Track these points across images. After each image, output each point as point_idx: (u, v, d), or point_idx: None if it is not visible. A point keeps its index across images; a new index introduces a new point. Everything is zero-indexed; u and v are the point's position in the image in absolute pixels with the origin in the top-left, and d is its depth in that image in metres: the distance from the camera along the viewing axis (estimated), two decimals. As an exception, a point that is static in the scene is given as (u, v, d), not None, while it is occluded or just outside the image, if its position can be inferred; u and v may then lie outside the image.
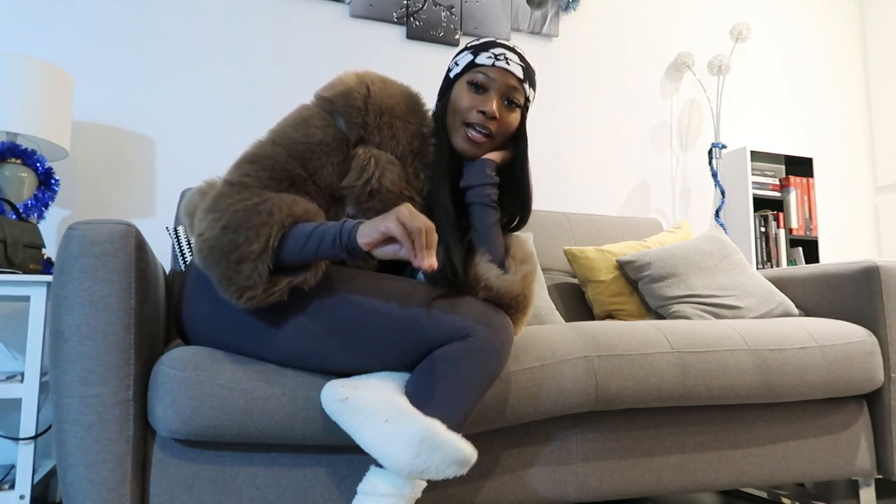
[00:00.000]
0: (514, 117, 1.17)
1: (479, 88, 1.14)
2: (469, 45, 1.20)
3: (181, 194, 1.86)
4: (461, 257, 1.11)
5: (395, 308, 1.05)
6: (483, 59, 1.15)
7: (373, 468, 1.02)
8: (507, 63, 1.14)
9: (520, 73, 1.15)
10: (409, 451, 0.95)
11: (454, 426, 1.03)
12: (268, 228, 0.96)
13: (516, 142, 1.21)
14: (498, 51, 1.15)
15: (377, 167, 1.09)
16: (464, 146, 1.15)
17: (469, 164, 1.18)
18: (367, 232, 0.93)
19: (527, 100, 1.19)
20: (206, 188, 1.20)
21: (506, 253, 1.16)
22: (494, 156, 1.18)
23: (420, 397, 1.03)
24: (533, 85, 1.20)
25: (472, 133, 1.13)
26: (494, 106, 1.13)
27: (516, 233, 1.25)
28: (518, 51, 1.18)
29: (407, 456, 0.95)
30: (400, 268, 1.23)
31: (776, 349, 1.48)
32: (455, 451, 0.95)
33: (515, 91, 1.16)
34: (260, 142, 1.10)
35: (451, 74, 1.19)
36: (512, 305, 1.11)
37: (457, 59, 1.20)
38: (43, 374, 1.59)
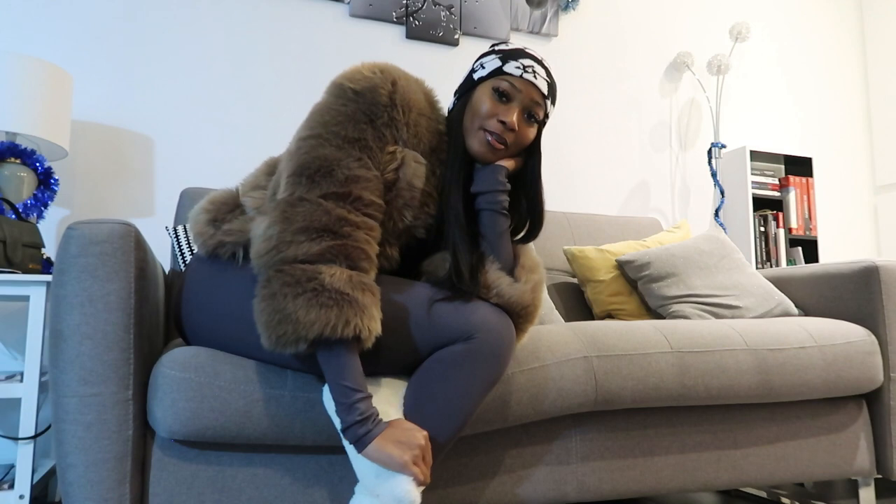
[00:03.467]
0: (532, 132, 1.15)
1: (502, 97, 1.12)
2: (497, 49, 1.17)
3: (181, 194, 1.87)
4: (468, 263, 1.09)
5: (399, 310, 1.05)
6: (511, 68, 1.12)
7: None
8: (535, 77, 1.12)
9: (545, 89, 1.14)
10: (372, 469, 0.96)
11: (454, 429, 1.03)
12: (332, 322, 0.93)
13: (530, 155, 1.19)
14: (527, 62, 1.13)
15: (394, 160, 1.07)
16: (479, 150, 1.13)
17: (481, 170, 1.16)
18: (375, 456, 0.94)
19: (546, 116, 1.17)
20: (209, 207, 1.16)
21: (514, 261, 1.15)
22: (507, 163, 1.16)
23: (420, 399, 1.03)
24: (554, 101, 1.18)
25: (489, 137, 1.11)
26: (515, 118, 1.11)
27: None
28: (545, 65, 1.16)
29: (370, 474, 0.96)
30: (409, 270, 1.22)
31: (776, 349, 1.48)
32: (400, 486, 0.94)
33: (537, 106, 1.14)
34: (310, 146, 1.04)
35: (475, 76, 1.16)
36: (521, 315, 1.10)
37: (482, 61, 1.17)
38: (42, 373, 1.59)
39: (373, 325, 0.96)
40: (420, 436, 0.96)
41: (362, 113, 1.06)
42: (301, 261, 0.96)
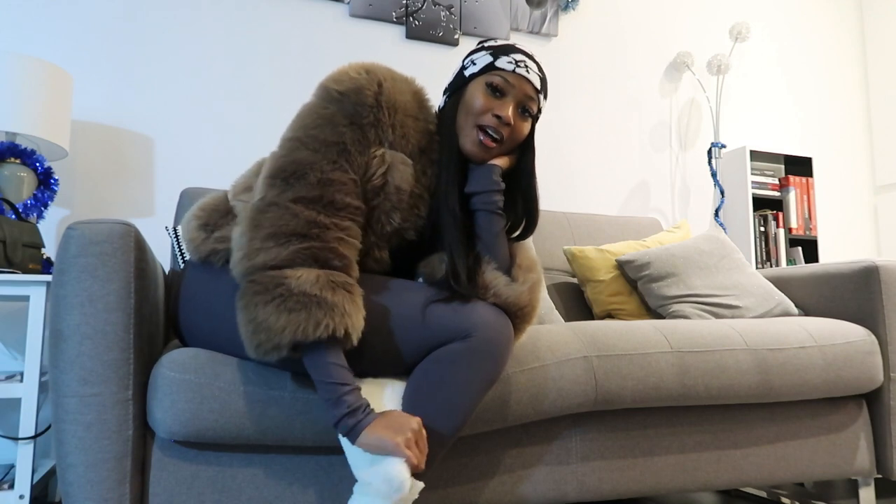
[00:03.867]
0: (526, 126, 1.16)
1: (496, 92, 1.12)
2: (487, 46, 1.17)
3: (181, 194, 1.86)
4: (465, 265, 1.09)
5: (394, 310, 1.05)
6: (503, 63, 1.13)
7: None
8: (527, 71, 1.13)
9: (537, 84, 1.14)
10: (366, 458, 0.95)
11: (453, 428, 1.03)
12: (301, 325, 0.93)
13: (523, 151, 1.18)
14: (519, 57, 1.13)
15: (382, 164, 1.07)
16: (473, 149, 1.13)
17: (475, 170, 1.16)
18: (367, 442, 0.93)
19: (539, 110, 1.17)
20: (199, 213, 1.16)
21: (511, 261, 1.14)
22: (501, 161, 1.16)
23: (419, 399, 1.03)
24: (546, 95, 1.18)
25: (484, 137, 1.11)
26: (510, 112, 1.11)
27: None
28: (536, 59, 1.16)
29: (364, 463, 0.95)
30: (404, 270, 1.22)
31: (776, 349, 1.48)
32: (391, 467, 0.93)
33: (531, 100, 1.14)
34: (288, 149, 1.04)
35: (467, 73, 1.16)
36: (518, 315, 1.10)
37: (473, 57, 1.17)
38: (42, 373, 1.59)
39: (348, 321, 0.95)
40: (413, 421, 0.96)
41: (343, 115, 1.06)
42: (270, 267, 0.96)
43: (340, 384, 0.95)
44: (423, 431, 0.97)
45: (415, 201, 1.12)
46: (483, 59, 1.15)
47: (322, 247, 0.98)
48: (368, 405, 0.97)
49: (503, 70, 1.12)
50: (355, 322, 0.97)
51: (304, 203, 1.00)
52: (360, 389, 0.98)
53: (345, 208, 1.02)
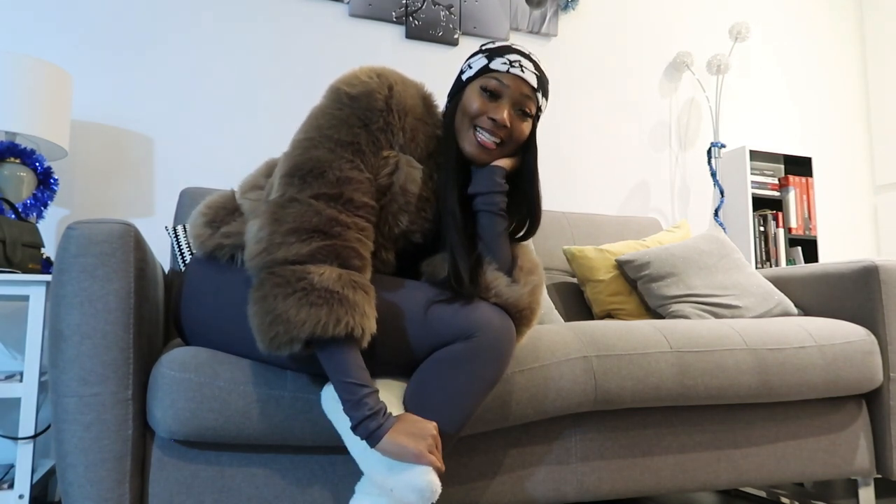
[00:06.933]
0: (525, 126, 1.15)
1: (491, 95, 1.12)
2: (484, 49, 1.17)
3: (181, 194, 1.87)
4: (467, 265, 1.09)
5: (397, 310, 1.05)
6: (498, 64, 1.12)
7: None
8: (522, 71, 1.12)
9: (534, 83, 1.13)
10: (384, 464, 0.95)
11: (454, 429, 1.03)
12: (322, 320, 0.92)
13: (525, 151, 1.18)
14: (514, 57, 1.13)
15: (388, 165, 1.08)
16: (472, 151, 1.13)
17: (478, 171, 1.16)
18: (389, 449, 0.93)
19: (539, 109, 1.16)
20: (206, 211, 1.17)
21: (513, 263, 1.14)
22: (504, 163, 1.15)
23: (420, 399, 1.03)
24: (546, 94, 1.17)
25: (482, 137, 1.11)
26: (506, 115, 1.11)
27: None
28: (534, 58, 1.15)
29: (382, 469, 0.96)
30: (408, 271, 1.22)
31: (775, 349, 1.48)
32: (420, 477, 0.93)
33: (528, 100, 1.13)
34: (303, 148, 1.04)
35: (464, 77, 1.16)
36: (518, 317, 1.10)
37: (470, 61, 1.17)
38: (42, 373, 1.59)
39: (366, 322, 0.96)
40: (430, 426, 0.97)
41: (357, 117, 1.06)
42: (291, 262, 0.96)
43: (360, 385, 0.95)
44: (439, 436, 0.98)
45: (422, 204, 1.12)
46: (478, 62, 1.15)
47: (344, 245, 0.98)
48: (387, 409, 0.97)
49: (497, 72, 1.12)
50: (371, 324, 0.97)
51: (324, 200, 1.00)
52: (377, 392, 0.97)
53: (362, 207, 1.03)
